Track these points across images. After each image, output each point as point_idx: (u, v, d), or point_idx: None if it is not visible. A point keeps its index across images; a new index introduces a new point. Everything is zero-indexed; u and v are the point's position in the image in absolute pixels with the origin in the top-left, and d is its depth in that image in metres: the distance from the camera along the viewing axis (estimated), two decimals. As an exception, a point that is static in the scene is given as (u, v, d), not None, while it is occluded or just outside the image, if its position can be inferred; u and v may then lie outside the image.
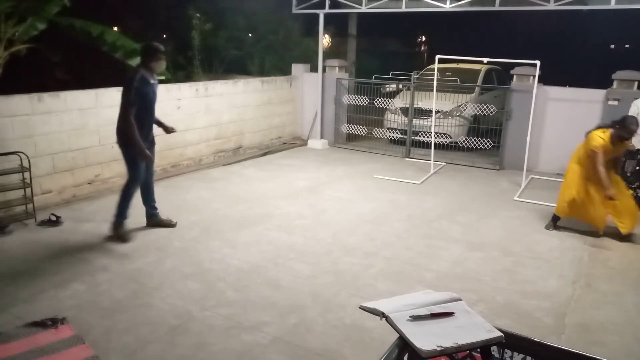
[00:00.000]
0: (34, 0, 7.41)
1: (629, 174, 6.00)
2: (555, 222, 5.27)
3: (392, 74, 8.75)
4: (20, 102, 5.28)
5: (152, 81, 4.52)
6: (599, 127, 4.98)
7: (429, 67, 9.79)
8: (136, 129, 4.38)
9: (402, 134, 8.71)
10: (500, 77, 10.05)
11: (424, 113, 8.40)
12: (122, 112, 4.43)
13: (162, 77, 8.48)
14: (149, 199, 4.95)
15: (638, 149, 5.94)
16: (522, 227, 5.31)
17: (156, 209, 4.99)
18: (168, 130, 4.89)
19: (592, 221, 5.05)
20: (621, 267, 4.42)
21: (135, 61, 8.06)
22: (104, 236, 4.72)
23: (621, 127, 4.72)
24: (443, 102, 8.24)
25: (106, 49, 8.19)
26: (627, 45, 25.57)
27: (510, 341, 1.49)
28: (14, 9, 7.46)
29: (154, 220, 4.99)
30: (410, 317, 1.46)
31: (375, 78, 8.76)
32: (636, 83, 6.94)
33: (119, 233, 4.66)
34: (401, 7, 7.81)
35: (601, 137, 4.79)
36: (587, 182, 4.97)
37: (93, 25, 8.17)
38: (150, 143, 4.72)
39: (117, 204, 4.70)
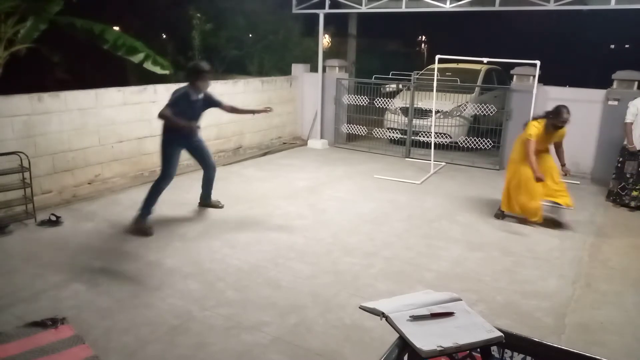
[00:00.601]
0: (35, 0, 7.39)
1: (628, 175, 5.99)
2: (502, 215, 5.54)
3: (392, 74, 8.75)
4: (20, 102, 5.28)
5: (193, 98, 4.91)
6: (534, 118, 5.28)
7: (429, 67, 9.79)
8: (172, 115, 4.67)
9: (402, 134, 8.71)
10: (500, 77, 10.05)
11: (424, 113, 8.40)
12: (161, 111, 4.73)
13: (166, 72, 8.58)
14: (206, 188, 5.55)
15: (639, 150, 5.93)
16: (522, 227, 5.31)
17: (209, 197, 5.60)
18: (262, 111, 5.45)
19: (526, 211, 5.24)
20: (621, 267, 4.42)
21: (137, 58, 8.14)
22: (104, 236, 4.73)
23: (554, 116, 5.04)
24: (443, 102, 8.24)
25: (107, 47, 8.19)
26: (627, 45, 25.56)
27: (510, 341, 1.49)
28: (14, 9, 7.45)
29: (204, 202, 5.61)
30: (410, 317, 1.46)
31: (375, 78, 8.76)
32: (636, 83, 6.93)
33: (142, 227, 4.82)
34: (401, 7, 7.81)
35: (536, 127, 5.10)
36: (526, 171, 5.15)
37: (94, 24, 8.17)
38: (193, 141, 5.13)
39: (144, 199, 4.92)
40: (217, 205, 5.60)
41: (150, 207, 4.91)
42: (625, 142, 6.01)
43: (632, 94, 6.66)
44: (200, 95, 4.99)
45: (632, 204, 5.97)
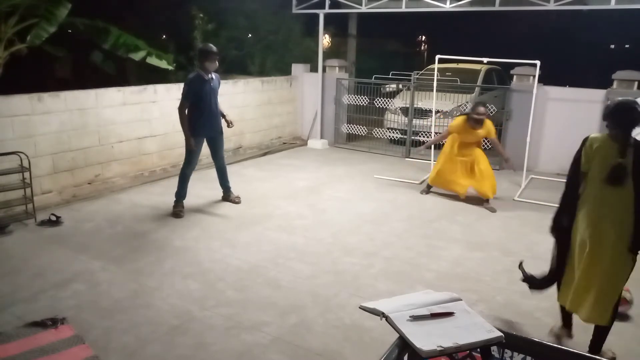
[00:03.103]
0: (43, 3, 7.38)
1: None
2: (428, 189, 6.41)
3: (392, 74, 8.75)
4: (20, 102, 5.28)
5: (206, 78, 5.26)
6: (463, 114, 6.10)
7: (429, 67, 9.79)
8: (186, 120, 5.22)
9: (402, 134, 8.71)
10: (500, 77, 10.04)
11: (424, 113, 8.40)
12: (179, 105, 5.25)
13: (170, 67, 8.67)
14: (223, 180, 5.80)
15: None
16: (522, 227, 5.31)
17: (229, 188, 5.83)
18: (228, 124, 5.59)
19: (453, 189, 6.13)
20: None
21: (138, 56, 8.22)
22: (104, 236, 4.74)
23: (471, 111, 5.76)
24: (443, 102, 8.24)
25: (108, 46, 8.25)
26: (627, 45, 25.55)
27: (510, 341, 1.49)
28: (14, 8, 7.45)
29: (225, 196, 5.84)
30: (410, 317, 1.47)
31: (375, 78, 8.76)
32: (636, 83, 6.93)
33: (173, 210, 5.36)
34: (401, 7, 7.80)
35: (457, 120, 5.94)
36: (453, 158, 6.00)
37: (95, 23, 8.23)
38: (216, 132, 5.51)
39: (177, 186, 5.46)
40: (234, 201, 5.78)
41: (181, 193, 5.41)
42: None
43: (632, 94, 6.65)
44: (213, 76, 5.35)
45: None
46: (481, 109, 5.68)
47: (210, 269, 4.12)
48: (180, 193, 5.42)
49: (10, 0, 7.19)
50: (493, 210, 5.80)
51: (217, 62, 5.30)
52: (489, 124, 5.83)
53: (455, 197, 6.26)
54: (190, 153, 5.36)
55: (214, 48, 5.27)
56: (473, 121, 5.72)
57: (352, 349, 3.11)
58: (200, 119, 5.27)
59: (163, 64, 8.45)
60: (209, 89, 5.29)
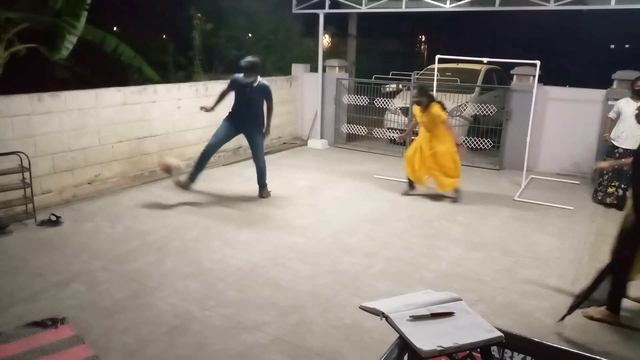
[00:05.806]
0: (64, 16, 7.39)
1: (604, 172, 6.05)
2: (410, 186, 6.32)
3: (392, 74, 8.75)
4: (20, 102, 5.28)
5: (243, 83, 5.79)
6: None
7: (429, 67, 9.79)
8: (219, 94, 6.01)
9: (402, 134, 8.69)
10: (500, 77, 10.04)
11: (424, 113, 8.39)
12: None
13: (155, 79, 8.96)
14: (258, 179, 6.11)
15: (613, 146, 5.99)
16: (522, 227, 5.31)
17: (262, 187, 6.13)
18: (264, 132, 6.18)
19: (416, 179, 6.16)
20: (621, 267, 4.40)
21: (136, 61, 8.32)
22: (104, 236, 4.74)
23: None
24: (443, 102, 8.22)
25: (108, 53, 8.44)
26: (627, 45, 25.55)
27: (510, 341, 1.49)
28: (16, 17, 7.49)
29: (259, 193, 6.13)
30: (410, 317, 1.46)
31: (375, 78, 8.76)
32: (636, 83, 6.92)
33: (183, 183, 5.81)
34: (401, 7, 7.80)
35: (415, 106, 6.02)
36: (420, 146, 6.05)
37: (95, 31, 8.32)
38: (244, 130, 6.05)
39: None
40: (266, 196, 6.09)
41: (196, 170, 5.85)
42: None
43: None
44: (254, 83, 5.76)
45: (608, 200, 6.01)
46: (413, 92, 5.94)
47: (210, 269, 4.12)
48: (196, 171, 5.86)
49: (11, 12, 7.21)
50: (455, 201, 6.04)
51: (251, 77, 5.70)
52: (432, 110, 5.81)
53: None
54: (215, 131, 5.92)
55: (244, 63, 5.68)
56: (417, 104, 5.94)
57: (352, 349, 3.11)
58: (233, 108, 5.92)
59: (152, 73, 8.79)
60: (243, 94, 5.81)
